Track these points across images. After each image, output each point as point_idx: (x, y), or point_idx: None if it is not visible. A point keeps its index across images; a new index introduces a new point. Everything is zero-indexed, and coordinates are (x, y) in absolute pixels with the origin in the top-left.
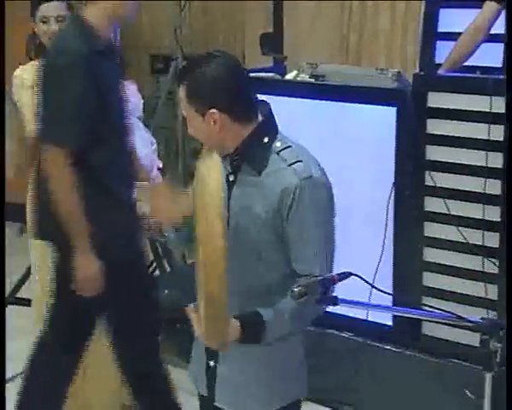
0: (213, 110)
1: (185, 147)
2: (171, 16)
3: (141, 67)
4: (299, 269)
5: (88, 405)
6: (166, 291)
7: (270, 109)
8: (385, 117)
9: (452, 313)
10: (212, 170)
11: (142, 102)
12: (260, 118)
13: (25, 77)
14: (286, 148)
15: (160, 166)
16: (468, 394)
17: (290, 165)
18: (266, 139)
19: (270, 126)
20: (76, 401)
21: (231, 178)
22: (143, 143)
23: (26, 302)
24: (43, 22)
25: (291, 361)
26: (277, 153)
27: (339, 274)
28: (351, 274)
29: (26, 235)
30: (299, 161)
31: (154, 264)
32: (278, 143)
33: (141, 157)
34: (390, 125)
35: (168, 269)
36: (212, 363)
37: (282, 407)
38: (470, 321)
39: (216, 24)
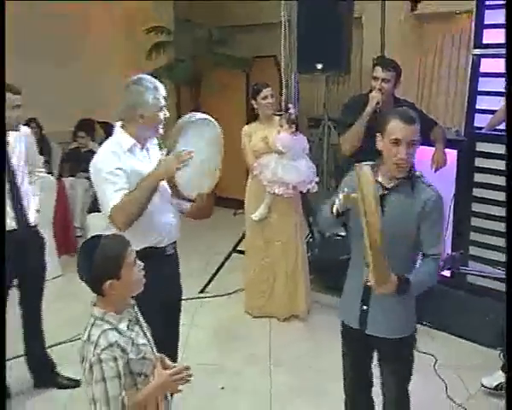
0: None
1: (327, 169)
2: (320, 93)
3: (302, 125)
4: (428, 251)
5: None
6: (317, 250)
7: None
8: (450, 156)
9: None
10: (367, 182)
11: (308, 145)
12: None
13: (247, 130)
14: (421, 176)
15: (317, 180)
16: (488, 318)
17: (428, 186)
18: (414, 171)
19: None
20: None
21: (389, 186)
22: (308, 167)
23: (242, 253)
24: (265, 99)
25: (412, 309)
26: (419, 178)
27: (460, 253)
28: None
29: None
30: (431, 185)
31: (310, 234)
32: (418, 173)
33: (307, 175)
34: (453, 160)
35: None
36: (365, 307)
37: (407, 336)
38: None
39: (345, 95)
